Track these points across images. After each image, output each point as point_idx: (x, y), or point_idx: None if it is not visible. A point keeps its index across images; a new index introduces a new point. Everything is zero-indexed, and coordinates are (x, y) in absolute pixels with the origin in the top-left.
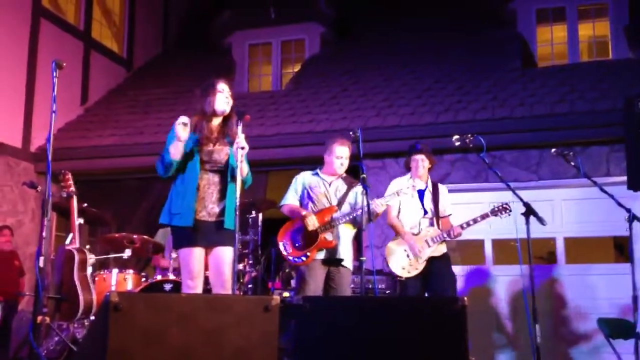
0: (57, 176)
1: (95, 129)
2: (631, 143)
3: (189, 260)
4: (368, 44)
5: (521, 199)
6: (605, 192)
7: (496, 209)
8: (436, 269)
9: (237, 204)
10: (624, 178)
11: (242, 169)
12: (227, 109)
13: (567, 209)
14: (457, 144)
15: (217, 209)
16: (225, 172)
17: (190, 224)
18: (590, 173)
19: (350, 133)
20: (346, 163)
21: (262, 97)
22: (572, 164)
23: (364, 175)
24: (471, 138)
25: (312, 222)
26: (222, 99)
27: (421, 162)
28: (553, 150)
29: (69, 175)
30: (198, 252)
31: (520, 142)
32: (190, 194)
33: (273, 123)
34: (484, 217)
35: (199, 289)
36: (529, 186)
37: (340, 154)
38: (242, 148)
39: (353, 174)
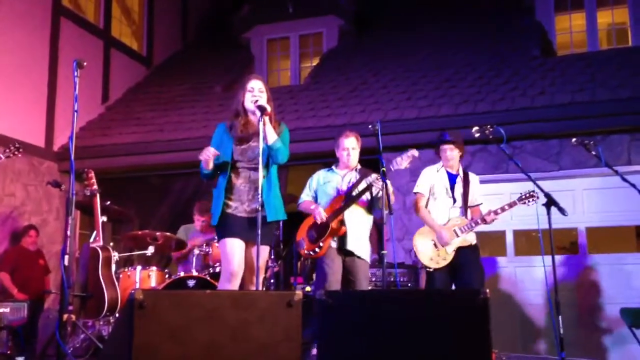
0: (80, 175)
1: (116, 127)
2: None
3: (226, 252)
4: (386, 36)
5: (542, 190)
6: (627, 181)
7: (523, 196)
8: (464, 260)
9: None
10: None
11: (267, 134)
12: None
13: (589, 198)
14: (477, 135)
15: (254, 205)
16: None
17: (215, 223)
18: (611, 162)
19: (369, 126)
20: (354, 153)
21: (280, 92)
22: (593, 153)
23: (384, 169)
24: (491, 129)
25: (320, 214)
26: (250, 99)
27: (450, 151)
28: (574, 139)
29: (92, 174)
30: (237, 244)
31: (541, 132)
32: (222, 195)
33: (292, 117)
34: (511, 205)
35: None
36: (549, 176)
37: (346, 146)
38: (261, 108)
39: (373, 167)
